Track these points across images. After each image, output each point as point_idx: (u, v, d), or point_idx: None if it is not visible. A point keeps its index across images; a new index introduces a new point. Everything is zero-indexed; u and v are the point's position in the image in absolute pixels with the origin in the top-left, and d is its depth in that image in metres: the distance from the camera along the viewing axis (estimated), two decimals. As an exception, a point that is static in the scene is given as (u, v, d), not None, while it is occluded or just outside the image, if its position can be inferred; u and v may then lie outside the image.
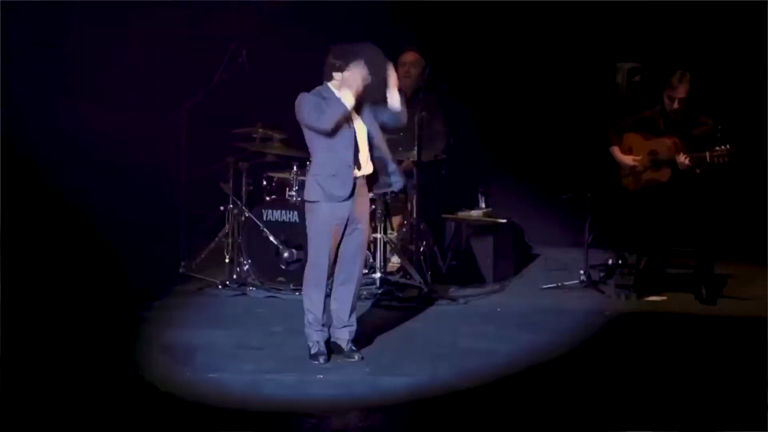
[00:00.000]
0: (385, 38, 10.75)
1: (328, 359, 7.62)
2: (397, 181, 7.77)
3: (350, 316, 7.72)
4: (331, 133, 7.44)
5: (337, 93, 7.54)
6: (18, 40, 10.33)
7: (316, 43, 10.70)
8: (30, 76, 10.50)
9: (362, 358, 7.68)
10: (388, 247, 9.69)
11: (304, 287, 7.66)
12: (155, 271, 9.88)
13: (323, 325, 7.65)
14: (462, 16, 10.92)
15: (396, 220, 10.19)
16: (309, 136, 7.57)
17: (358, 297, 7.81)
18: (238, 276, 9.63)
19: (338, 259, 7.67)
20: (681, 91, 9.17)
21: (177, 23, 10.87)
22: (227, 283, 9.60)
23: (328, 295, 7.70)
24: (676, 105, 9.20)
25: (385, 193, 9.59)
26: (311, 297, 7.61)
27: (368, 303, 9.19)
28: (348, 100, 7.46)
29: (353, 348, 7.73)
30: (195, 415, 6.78)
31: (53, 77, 10.66)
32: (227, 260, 9.83)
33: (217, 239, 9.94)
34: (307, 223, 7.66)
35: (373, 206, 9.57)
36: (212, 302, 9.31)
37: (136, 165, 10.72)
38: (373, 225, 9.61)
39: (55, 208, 10.40)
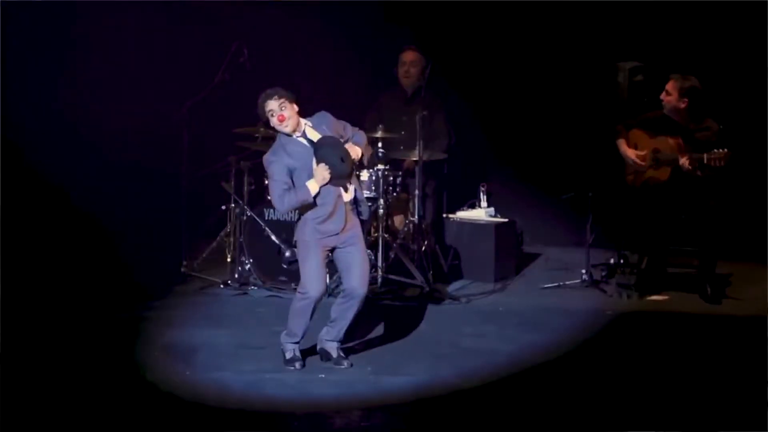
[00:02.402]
0: (385, 38, 10.83)
1: (303, 365, 7.57)
2: (364, 211, 7.69)
3: (343, 334, 7.63)
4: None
5: (298, 138, 7.42)
6: (19, 40, 10.34)
7: (317, 43, 10.79)
8: (31, 76, 10.50)
9: (351, 365, 7.61)
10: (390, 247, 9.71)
11: (291, 308, 7.56)
12: (156, 270, 9.89)
13: (300, 340, 7.58)
14: (463, 15, 10.92)
15: (398, 219, 10.20)
16: (294, 180, 7.47)
17: (357, 316, 7.66)
18: (239, 275, 9.63)
19: (344, 279, 7.60)
20: (668, 84, 9.25)
21: (179, 22, 10.87)
22: (229, 282, 9.60)
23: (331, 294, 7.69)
24: (662, 95, 9.25)
25: (386, 193, 9.61)
26: (294, 319, 7.51)
27: (370, 302, 9.18)
28: (313, 188, 7.36)
29: (342, 354, 7.65)
30: (196, 415, 6.79)
31: (54, 77, 10.66)
32: (229, 260, 9.84)
33: (218, 238, 9.95)
34: (298, 254, 7.60)
35: (375, 205, 9.58)
36: (213, 302, 9.31)
37: (137, 164, 10.73)
38: (374, 224, 9.63)
39: (57, 207, 10.41)
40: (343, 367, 7.58)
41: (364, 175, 9.58)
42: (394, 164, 9.91)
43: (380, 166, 9.56)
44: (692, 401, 7.00)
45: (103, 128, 10.72)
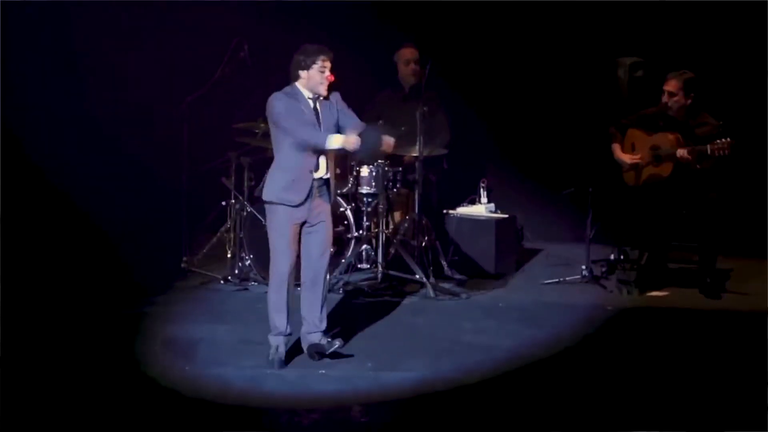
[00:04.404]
0: (384, 36, 10.81)
1: (285, 364, 7.51)
2: (330, 195, 7.65)
3: (321, 320, 7.61)
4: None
5: (305, 93, 7.49)
6: (20, 38, 10.33)
7: (316, 40, 10.77)
8: (32, 73, 10.50)
9: (343, 344, 7.58)
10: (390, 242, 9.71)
11: (268, 292, 7.58)
12: (157, 266, 9.89)
13: (286, 333, 7.53)
14: (463, 11, 10.92)
15: (397, 215, 10.21)
16: (277, 135, 7.50)
17: (326, 296, 7.66)
18: (239, 271, 9.63)
19: (302, 260, 7.60)
20: (670, 85, 9.22)
21: (179, 18, 10.87)
22: (229, 278, 9.61)
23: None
24: (665, 98, 9.25)
25: (386, 188, 9.62)
26: (272, 302, 7.52)
27: (370, 298, 9.20)
28: (334, 142, 7.38)
29: (329, 339, 7.59)
30: (196, 411, 6.79)
31: (55, 74, 10.66)
32: (229, 255, 9.85)
33: (218, 234, 9.96)
34: (267, 223, 7.62)
35: (376, 201, 9.59)
36: (214, 297, 9.31)
37: (137, 160, 10.74)
38: (375, 220, 9.64)
39: (57, 204, 10.41)
40: (336, 346, 7.52)
41: (365, 171, 9.58)
42: (394, 160, 9.90)
43: (380, 162, 9.56)
44: (692, 398, 7.00)
45: (104, 125, 10.73)
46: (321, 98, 7.55)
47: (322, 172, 7.53)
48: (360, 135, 7.44)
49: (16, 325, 8.04)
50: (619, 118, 9.62)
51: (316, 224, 7.54)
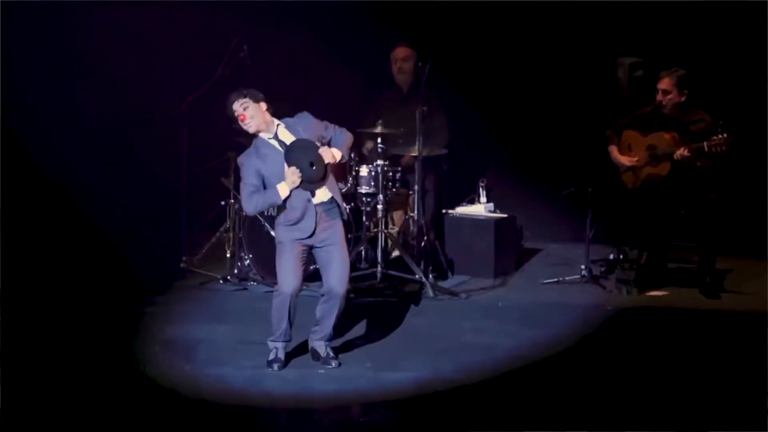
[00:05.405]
0: (384, 36, 10.81)
1: (284, 366, 7.51)
2: (343, 213, 7.60)
3: (329, 332, 7.58)
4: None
5: (262, 137, 7.44)
6: (20, 38, 10.33)
7: (315, 41, 10.78)
8: (32, 73, 10.50)
9: (340, 364, 7.55)
10: (389, 242, 9.71)
11: (273, 299, 7.53)
12: (156, 266, 9.89)
13: (285, 339, 7.52)
14: (463, 11, 10.91)
15: (397, 215, 10.21)
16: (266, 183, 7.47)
17: (341, 313, 7.59)
18: (239, 271, 9.63)
19: (323, 278, 7.55)
20: (663, 83, 9.22)
21: (179, 18, 10.87)
22: (228, 278, 9.60)
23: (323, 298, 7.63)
24: (659, 96, 9.24)
25: (386, 188, 9.61)
26: (274, 309, 7.48)
27: (369, 298, 9.20)
28: (283, 191, 7.33)
29: (330, 354, 7.59)
30: (196, 410, 6.79)
31: (55, 74, 10.66)
32: (228, 255, 9.86)
33: (218, 234, 9.96)
34: (276, 251, 7.58)
35: (375, 201, 9.58)
36: (213, 297, 9.31)
37: (137, 160, 10.74)
38: (374, 220, 9.63)
39: (57, 203, 10.40)
40: (330, 366, 7.52)
41: (364, 170, 9.58)
42: (394, 159, 9.90)
43: (379, 162, 9.56)
44: (692, 398, 7.00)
45: (104, 125, 10.72)
46: (278, 129, 7.46)
47: (321, 197, 7.47)
48: (292, 164, 7.32)
49: (17, 326, 8.04)
50: (616, 119, 9.62)
51: (323, 246, 7.47)
